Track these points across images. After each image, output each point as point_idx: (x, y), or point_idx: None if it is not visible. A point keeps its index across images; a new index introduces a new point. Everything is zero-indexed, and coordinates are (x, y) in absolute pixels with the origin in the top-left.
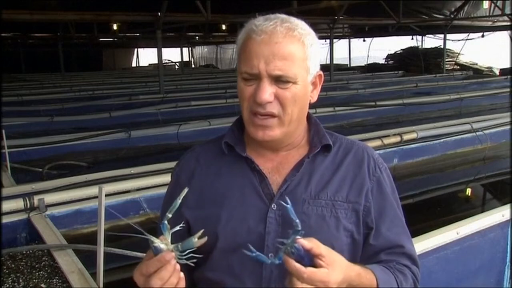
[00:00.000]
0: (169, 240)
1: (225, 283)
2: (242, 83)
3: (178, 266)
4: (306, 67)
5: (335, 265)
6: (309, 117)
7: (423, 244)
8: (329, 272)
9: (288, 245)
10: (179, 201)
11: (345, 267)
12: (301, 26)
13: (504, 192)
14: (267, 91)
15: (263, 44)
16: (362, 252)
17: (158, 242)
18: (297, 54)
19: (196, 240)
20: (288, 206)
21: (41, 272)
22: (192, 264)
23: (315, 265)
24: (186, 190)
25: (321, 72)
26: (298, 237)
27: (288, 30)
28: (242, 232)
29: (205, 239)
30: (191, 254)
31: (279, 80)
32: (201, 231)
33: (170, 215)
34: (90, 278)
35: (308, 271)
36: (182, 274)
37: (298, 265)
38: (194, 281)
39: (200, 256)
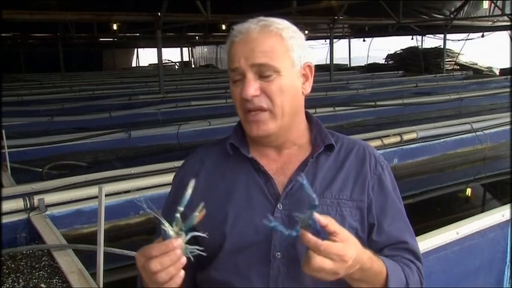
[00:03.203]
0: (181, 231)
1: (232, 282)
2: (233, 86)
3: (183, 260)
4: (289, 58)
5: (349, 242)
6: (310, 118)
7: (423, 244)
8: (344, 246)
9: (306, 217)
10: (190, 190)
11: (359, 247)
12: (278, 22)
13: (504, 192)
14: (252, 86)
15: (241, 43)
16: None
17: (168, 228)
18: (276, 46)
19: (197, 215)
20: (304, 182)
21: (41, 272)
22: (192, 259)
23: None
24: (193, 181)
25: (310, 63)
26: (314, 212)
27: (263, 26)
28: (249, 232)
29: (204, 211)
30: (197, 248)
31: (262, 74)
32: (202, 204)
33: (182, 209)
34: (90, 278)
35: (325, 243)
36: (183, 271)
37: (315, 238)
38: (198, 282)
39: (203, 254)
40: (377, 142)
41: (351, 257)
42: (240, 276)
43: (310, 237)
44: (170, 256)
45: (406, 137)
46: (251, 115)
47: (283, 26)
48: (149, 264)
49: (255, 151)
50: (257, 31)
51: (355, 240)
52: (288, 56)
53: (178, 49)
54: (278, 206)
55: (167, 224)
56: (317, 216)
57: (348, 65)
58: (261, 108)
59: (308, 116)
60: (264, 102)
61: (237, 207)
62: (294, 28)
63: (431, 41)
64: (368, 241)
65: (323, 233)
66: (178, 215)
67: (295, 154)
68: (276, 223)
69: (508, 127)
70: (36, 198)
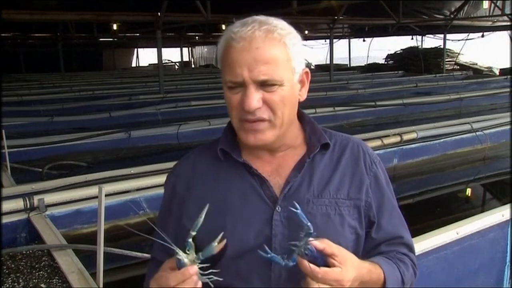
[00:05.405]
0: (194, 256)
1: (234, 287)
2: (228, 92)
3: (199, 284)
4: (291, 67)
5: (347, 263)
6: (302, 116)
7: (423, 244)
8: (342, 271)
9: (301, 247)
10: (203, 216)
11: (357, 265)
12: (281, 26)
13: (504, 192)
14: (255, 98)
15: (244, 51)
16: (363, 245)
17: (183, 256)
18: (280, 57)
19: (216, 245)
20: (298, 211)
21: (41, 272)
22: (212, 285)
23: (328, 265)
24: (207, 206)
25: (307, 69)
26: (311, 238)
27: (268, 32)
28: (248, 237)
29: (224, 241)
30: (212, 272)
31: (265, 85)
32: (221, 234)
33: (194, 233)
34: (90, 278)
35: (322, 270)
36: None
37: (312, 266)
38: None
39: (219, 279)
40: (377, 142)
41: (349, 280)
42: (242, 280)
43: (307, 265)
44: (188, 285)
45: (406, 137)
46: (249, 124)
47: (286, 32)
48: None
49: (248, 153)
50: (261, 39)
51: (353, 259)
52: (290, 65)
53: (178, 49)
54: (277, 208)
55: (181, 252)
56: (313, 242)
57: (348, 65)
58: (262, 119)
59: (299, 115)
60: (266, 113)
61: (234, 213)
62: (294, 31)
63: (431, 41)
64: (366, 238)
65: (321, 258)
66: (190, 240)
67: (290, 155)
68: (273, 254)
69: (508, 127)
70: (36, 198)
